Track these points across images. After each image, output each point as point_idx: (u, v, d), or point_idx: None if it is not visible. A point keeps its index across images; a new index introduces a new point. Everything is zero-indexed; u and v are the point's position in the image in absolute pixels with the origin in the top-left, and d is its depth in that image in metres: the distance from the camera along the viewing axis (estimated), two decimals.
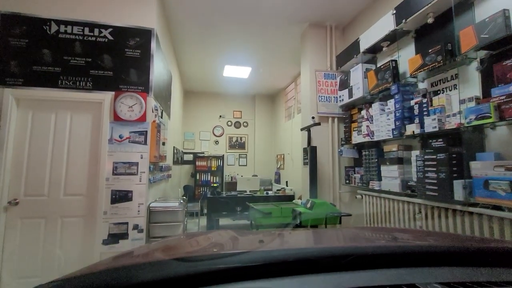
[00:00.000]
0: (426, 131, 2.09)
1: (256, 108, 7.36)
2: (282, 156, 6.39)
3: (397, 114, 2.37)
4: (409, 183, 2.26)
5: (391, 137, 2.44)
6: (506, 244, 0.81)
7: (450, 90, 2.08)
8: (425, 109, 2.16)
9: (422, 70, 2.14)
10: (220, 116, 7.07)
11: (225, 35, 4.07)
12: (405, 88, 2.37)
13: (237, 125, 7.28)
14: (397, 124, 2.37)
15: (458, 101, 1.93)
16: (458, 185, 1.79)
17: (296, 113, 5.81)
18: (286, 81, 6.21)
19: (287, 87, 6.48)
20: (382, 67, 2.60)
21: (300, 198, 4.31)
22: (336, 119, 3.52)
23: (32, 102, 2.43)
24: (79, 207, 2.45)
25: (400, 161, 2.37)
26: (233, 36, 4.08)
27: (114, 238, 2.46)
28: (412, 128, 2.23)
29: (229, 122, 7.22)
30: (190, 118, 6.94)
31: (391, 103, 2.48)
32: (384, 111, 2.60)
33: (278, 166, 6.69)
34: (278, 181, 6.52)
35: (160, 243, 0.96)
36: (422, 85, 2.34)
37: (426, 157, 2.05)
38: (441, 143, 2.01)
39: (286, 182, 5.83)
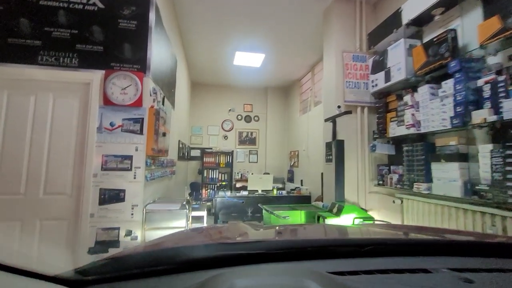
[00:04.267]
0: (505, 118, 1.56)
1: (268, 101, 6.87)
2: (296, 153, 5.89)
3: (459, 98, 1.84)
4: (476, 187, 1.73)
5: (448, 127, 1.91)
6: None
7: None
8: (501, 89, 1.63)
9: (499, 37, 1.61)
10: (230, 109, 6.61)
11: (236, 17, 3.60)
12: (470, 64, 1.84)
13: (248, 119, 6.81)
14: (458, 110, 1.84)
15: None
16: None
17: (312, 105, 5.29)
18: (301, 71, 5.69)
19: (302, 78, 5.96)
20: (435, 39, 2.07)
21: (319, 199, 3.82)
22: (365, 109, 3.00)
23: (7, 82, 2.03)
24: (61, 209, 2.04)
25: (462, 157, 1.84)
26: (244, 17, 3.60)
27: (102, 246, 2.04)
28: (481, 115, 1.70)
29: (239, 116, 6.76)
30: (198, 111, 6.52)
31: (447, 84, 1.96)
32: (437, 95, 2.07)
33: (291, 164, 6.20)
34: (291, 179, 6.03)
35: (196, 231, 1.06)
36: (492, 60, 1.80)
37: (508, 152, 1.52)
38: None
39: (301, 181, 5.34)
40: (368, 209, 2.84)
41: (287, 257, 0.58)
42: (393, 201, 2.47)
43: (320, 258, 0.59)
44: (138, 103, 2.13)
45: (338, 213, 2.52)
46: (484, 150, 1.71)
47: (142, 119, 2.16)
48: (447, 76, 1.98)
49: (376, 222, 2.33)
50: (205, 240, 0.84)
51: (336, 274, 0.51)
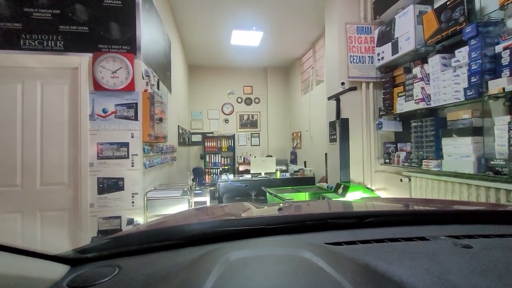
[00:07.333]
0: None
1: (268, 82, 6.67)
2: (299, 134, 5.79)
3: (474, 67, 1.69)
4: (491, 162, 1.64)
5: (462, 99, 1.79)
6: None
7: None
8: None
9: None
10: (229, 92, 6.44)
11: None
12: (487, 28, 1.68)
13: (248, 101, 6.65)
14: (473, 80, 1.71)
15: None
16: None
17: (314, 84, 5.11)
18: (302, 49, 5.44)
19: (303, 56, 5.72)
20: (448, 3, 1.89)
21: (324, 181, 3.76)
22: (371, 85, 2.85)
23: None
24: (60, 199, 2.00)
25: (476, 131, 1.73)
26: None
27: (105, 235, 2.01)
28: (499, 84, 1.57)
29: (239, 99, 6.59)
30: (196, 95, 6.36)
31: (461, 53, 1.80)
32: (449, 66, 1.92)
33: (294, 145, 6.12)
34: (294, 161, 5.98)
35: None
36: None
37: None
38: None
39: (305, 162, 5.28)
40: (375, 189, 2.77)
41: (285, 231, 0.59)
42: (401, 180, 2.40)
43: (318, 231, 0.60)
44: (130, 87, 2.02)
45: (343, 194, 2.46)
46: (501, 123, 1.59)
47: (136, 104, 2.06)
48: (461, 44, 1.82)
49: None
50: (206, 218, 0.85)
51: (333, 244, 0.51)
